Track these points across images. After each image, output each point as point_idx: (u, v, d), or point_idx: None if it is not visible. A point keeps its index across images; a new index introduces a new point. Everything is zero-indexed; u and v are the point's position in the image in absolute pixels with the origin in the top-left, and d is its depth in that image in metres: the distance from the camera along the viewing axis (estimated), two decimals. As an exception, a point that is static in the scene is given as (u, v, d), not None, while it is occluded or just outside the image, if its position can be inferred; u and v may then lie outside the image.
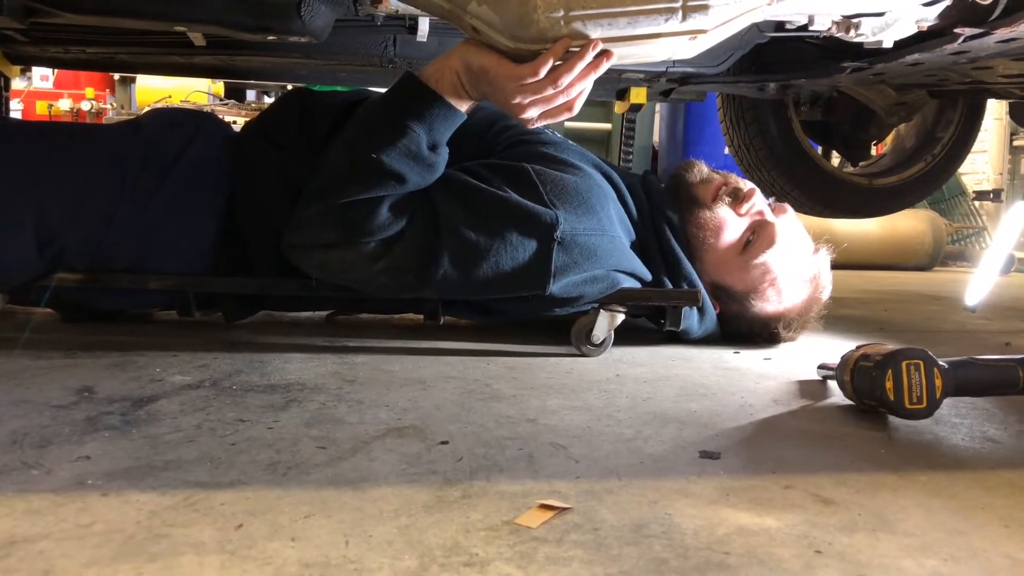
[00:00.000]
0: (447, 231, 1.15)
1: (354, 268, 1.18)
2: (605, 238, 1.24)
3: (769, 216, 1.43)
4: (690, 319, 1.38)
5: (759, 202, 1.43)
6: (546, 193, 1.20)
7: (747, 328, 1.45)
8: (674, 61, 1.73)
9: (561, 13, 0.96)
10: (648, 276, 1.33)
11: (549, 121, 1.11)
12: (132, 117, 2.09)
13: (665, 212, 1.39)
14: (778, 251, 1.40)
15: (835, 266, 1.53)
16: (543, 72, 1.02)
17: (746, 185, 1.45)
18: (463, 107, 1.14)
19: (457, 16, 1.02)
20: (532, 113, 1.08)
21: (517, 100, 1.05)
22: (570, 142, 1.41)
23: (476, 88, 1.10)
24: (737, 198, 1.42)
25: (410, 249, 1.15)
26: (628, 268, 1.29)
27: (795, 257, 1.43)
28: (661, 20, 0.96)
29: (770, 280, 1.41)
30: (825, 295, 1.49)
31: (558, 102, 1.06)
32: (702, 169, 1.47)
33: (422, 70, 1.13)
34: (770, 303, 1.42)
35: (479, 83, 1.09)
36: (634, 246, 1.33)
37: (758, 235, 1.40)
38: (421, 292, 1.22)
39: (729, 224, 1.40)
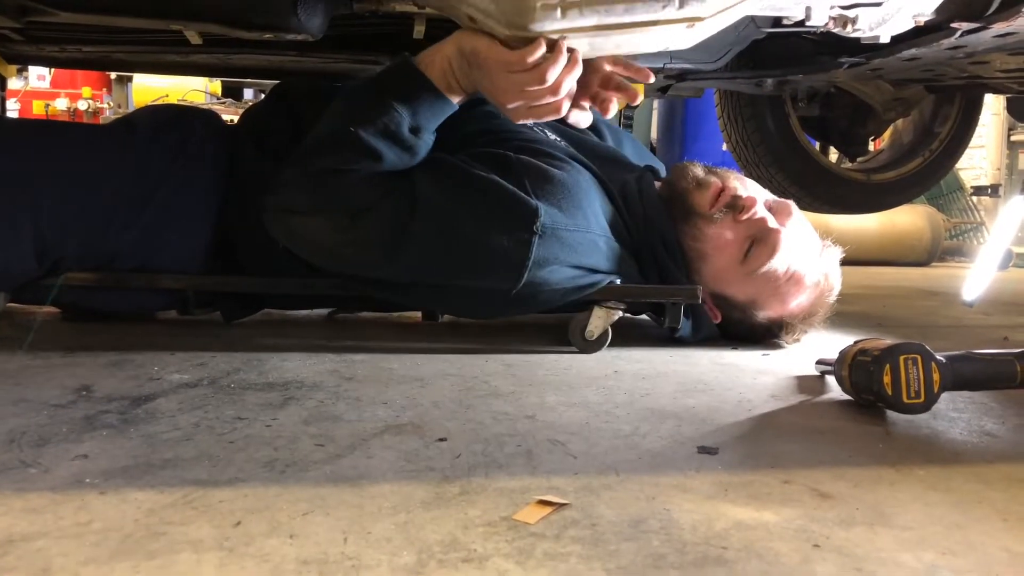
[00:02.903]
0: (423, 210, 1.13)
1: (320, 237, 1.18)
2: (589, 235, 1.21)
3: (771, 222, 1.34)
4: (685, 328, 1.35)
5: (760, 209, 1.35)
6: (529, 184, 1.17)
7: (748, 332, 1.42)
8: (671, 57, 1.73)
9: (557, 0, 0.96)
10: (635, 277, 1.31)
11: (536, 120, 1.10)
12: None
13: (658, 228, 1.33)
14: (780, 259, 1.33)
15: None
16: (531, 60, 1.01)
17: (746, 191, 1.37)
18: (452, 97, 1.13)
19: (452, 6, 1.02)
20: (519, 104, 1.07)
21: (505, 87, 1.05)
22: (560, 142, 1.37)
23: (466, 76, 1.09)
24: (735, 207, 1.34)
25: (379, 224, 1.14)
26: (611, 268, 1.26)
27: (800, 261, 1.36)
28: (658, 7, 0.96)
29: (772, 288, 1.35)
30: (832, 297, 1.43)
31: (545, 100, 1.06)
32: (696, 173, 1.39)
33: (419, 54, 1.13)
34: (773, 310, 1.38)
35: (470, 69, 1.08)
36: (627, 251, 1.30)
37: (758, 244, 1.33)
38: (388, 271, 1.20)
39: (727, 235, 1.33)
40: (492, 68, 1.05)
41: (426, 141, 1.16)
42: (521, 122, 1.11)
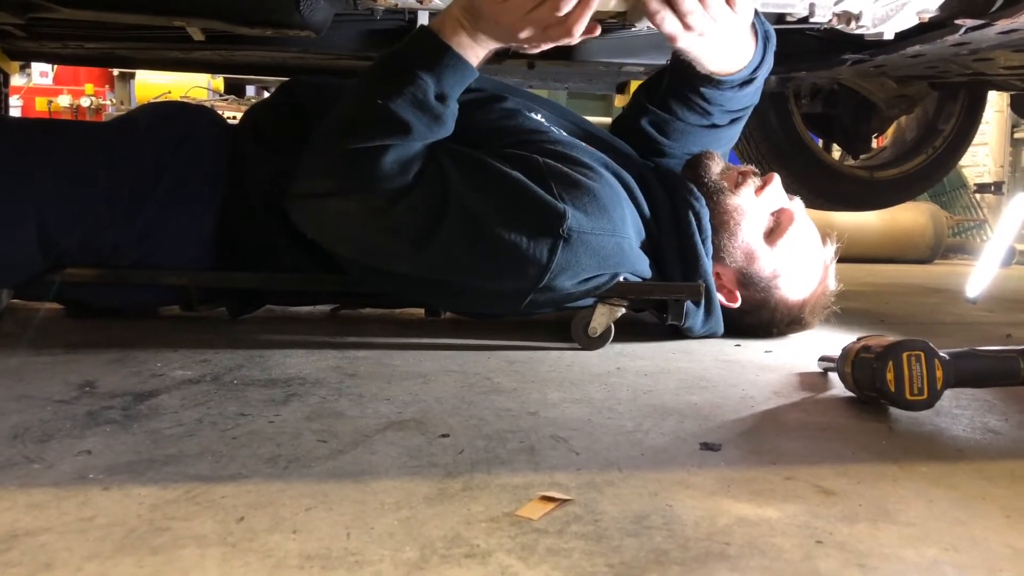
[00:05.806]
0: (454, 203, 1.11)
1: (352, 221, 1.14)
2: (615, 239, 1.20)
3: (786, 202, 1.44)
4: (695, 318, 1.36)
5: (779, 187, 1.43)
6: (555, 187, 1.16)
7: (769, 316, 1.43)
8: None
9: None
10: (648, 275, 1.31)
11: (547, 44, 1.10)
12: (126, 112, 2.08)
13: (691, 203, 1.34)
14: (800, 232, 1.41)
15: (837, 259, 1.53)
16: None
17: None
18: (470, 57, 1.13)
19: None
20: (529, 32, 1.07)
21: (513, 10, 1.05)
22: (579, 141, 1.36)
23: (476, 28, 1.10)
24: (757, 184, 1.42)
25: (414, 209, 1.11)
26: (631, 269, 1.27)
27: (813, 242, 1.45)
28: None
29: (795, 262, 1.41)
30: (832, 283, 1.49)
31: (554, 16, 1.05)
32: (720, 160, 1.46)
33: (428, 23, 1.15)
34: (795, 287, 1.42)
35: (477, 19, 1.08)
36: (643, 245, 1.30)
37: (781, 217, 1.40)
38: (410, 265, 1.16)
39: (752, 209, 1.39)
40: None
41: (452, 110, 1.15)
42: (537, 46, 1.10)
